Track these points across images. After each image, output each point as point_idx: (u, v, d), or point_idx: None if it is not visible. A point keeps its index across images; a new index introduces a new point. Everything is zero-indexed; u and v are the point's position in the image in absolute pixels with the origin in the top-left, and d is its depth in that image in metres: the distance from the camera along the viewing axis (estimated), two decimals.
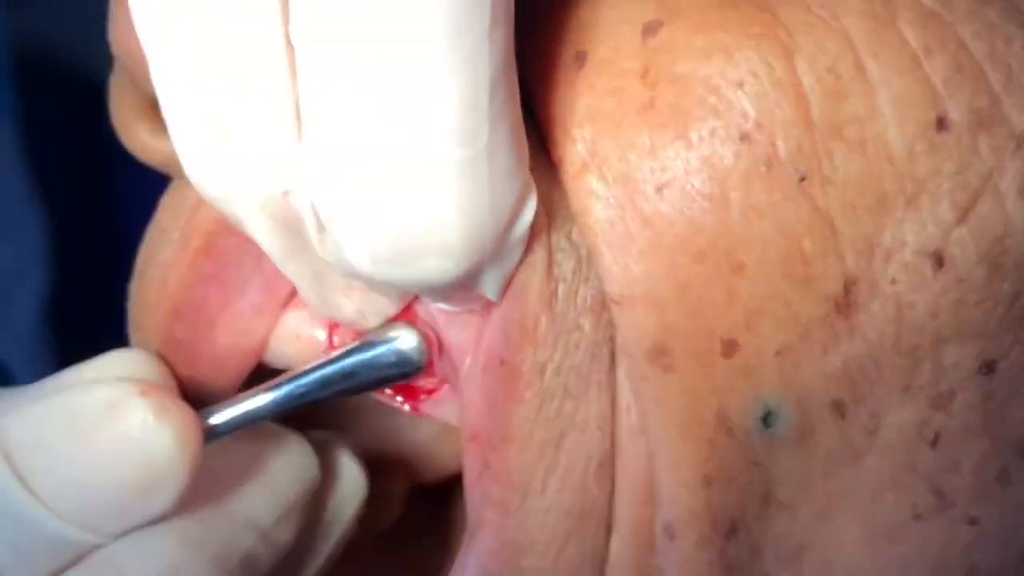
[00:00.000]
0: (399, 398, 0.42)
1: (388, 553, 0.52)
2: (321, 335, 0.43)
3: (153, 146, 0.45)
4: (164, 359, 0.43)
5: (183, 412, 0.38)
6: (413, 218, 0.34)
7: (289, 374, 0.41)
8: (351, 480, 0.46)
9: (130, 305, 0.45)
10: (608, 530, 0.39)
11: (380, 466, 0.50)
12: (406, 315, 0.41)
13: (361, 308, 0.40)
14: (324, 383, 0.41)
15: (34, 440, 0.38)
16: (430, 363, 0.41)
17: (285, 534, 0.42)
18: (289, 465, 0.43)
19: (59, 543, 0.38)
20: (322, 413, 0.49)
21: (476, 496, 0.39)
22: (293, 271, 0.39)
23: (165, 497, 0.38)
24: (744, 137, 0.35)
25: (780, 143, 0.35)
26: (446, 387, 0.42)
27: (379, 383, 0.41)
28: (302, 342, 0.43)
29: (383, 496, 0.50)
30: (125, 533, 0.38)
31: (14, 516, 0.37)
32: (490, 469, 0.38)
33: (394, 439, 0.51)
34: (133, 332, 0.44)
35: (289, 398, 0.41)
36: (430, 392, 0.42)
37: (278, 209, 0.36)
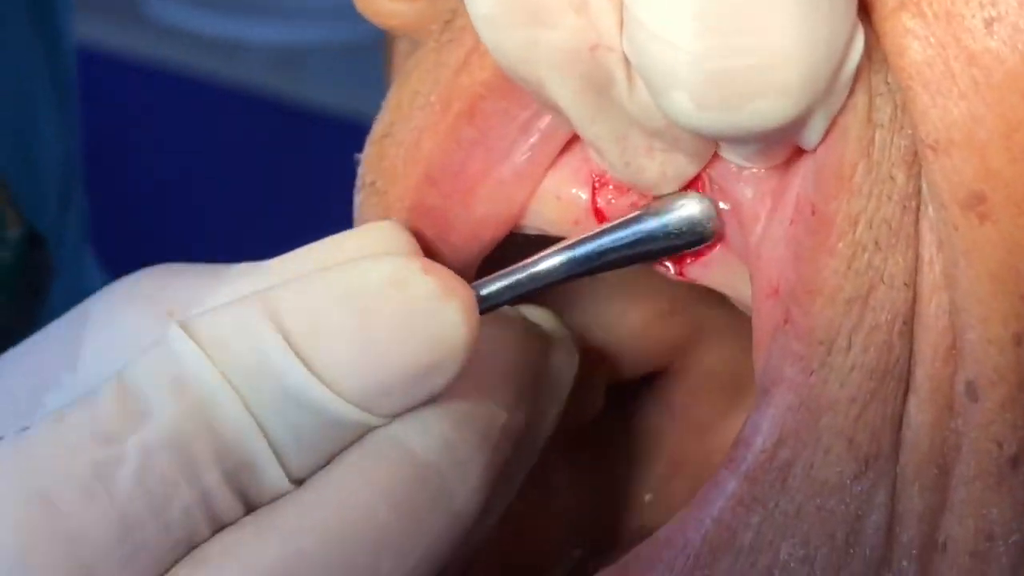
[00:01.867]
0: (665, 262, 0.41)
1: (575, 452, 0.51)
2: (583, 195, 0.41)
3: (389, 8, 0.44)
4: (412, 227, 0.42)
5: (465, 288, 0.37)
6: (748, 55, 0.32)
7: (563, 244, 0.40)
8: (567, 362, 0.45)
9: (366, 170, 0.43)
10: (906, 391, 0.37)
11: (582, 360, 0.49)
12: (700, 177, 0.39)
13: (663, 169, 0.39)
14: (603, 253, 0.39)
15: (313, 319, 0.36)
16: (721, 229, 0.39)
17: (526, 411, 0.41)
18: (525, 348, 0.42)
19: (340, 425, 0.36)
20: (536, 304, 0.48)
21: (772, 353, 0.38)
22: (596, 133, 0.37)
23: (448, 373, 0.37)
24: None
25: None
26: (717, 249, 0.41)
27: (664, 252, 0.40)
28: (563, 203, 0.41)
29: (584, 388, 0.49)
30: (402, 413, 0.37)
31: (295, 398, 0.36)
32: (792, 324, 0.37)
33: (598, 330, 0.49)
34: (368, 197, 0.43)
35: (568, 265, 0.39)
36: (697, 256, 0.41)
37: (585, 66, 0.35)
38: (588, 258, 0.39)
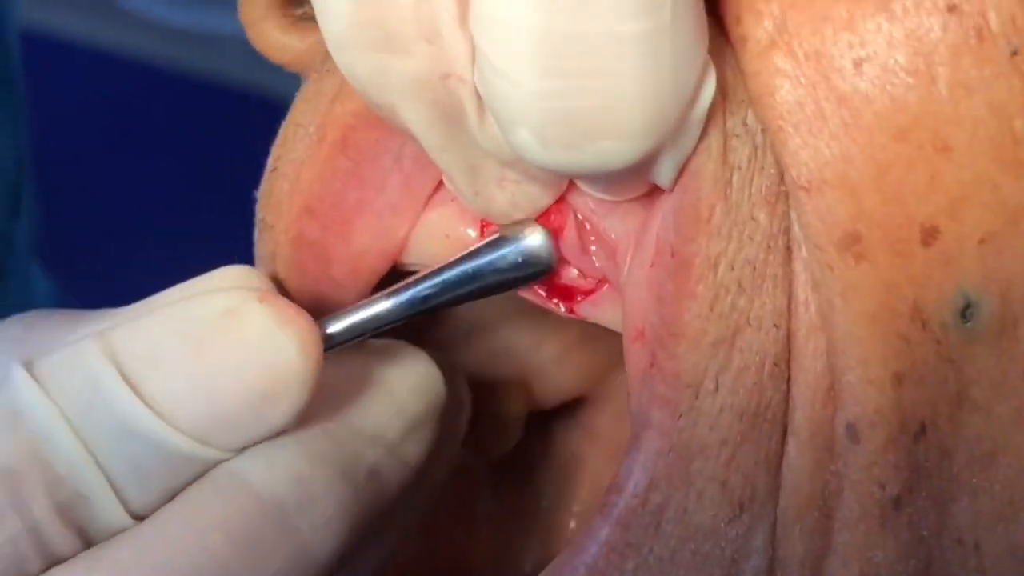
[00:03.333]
0: (555, 300, 0.40)
1: (499, 483, 0.51)
2: (472, 232, 0.40)
3: (283, 43, 0.44)
4: (295, 261, 0.41)
5: (303, 318, 0.36)
6: (591, 96, 0.32)
7: (409, 280, 0.39)
8: (463, 403, 0.45)
9: (259, 205, 0.43)
10: (784, 433, 0.36)
11: (499, 388, 0.48)
12: (559, 206, 0.39)
13: (514, 200, 0.38)
14: (447, 287, 0.39)
15: (149, 353, 0.36)
16: (560, 263, 0.39)
17: (414, 449, 0.40)
18: (413, 379, 0.41)
19: (179, 458, 0.36)
20: (440, 332, 0.47)
21: (641, 397, 0.37)
22: (447, 161, 0.37)
23: (288, 407, 0.36)
24: (952, 8, 0.33)
25: (992, 14, 0.33)
26: (605, 288, 0.40)
27: (506, 285, 0.39)
28: (452, 241, 0.41)
29: (501, 419, 0.49)
30: (246, 447, 0.37)
31: (132, 432, 0.35)
32: (658, 368, 0.36)
33: (514, 361, 0.49)
34: (260, 233, 0.42)
35: (411, 303, 0.39)
36: (587, 293, 0.40)
37: (436, 95, 0.34)
38: (430, 295, 0.39)
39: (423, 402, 0.41)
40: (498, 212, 0.39)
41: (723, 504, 0.36)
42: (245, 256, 0.42)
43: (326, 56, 0.41)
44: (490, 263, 0.39)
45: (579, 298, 0.40)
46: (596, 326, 0.45)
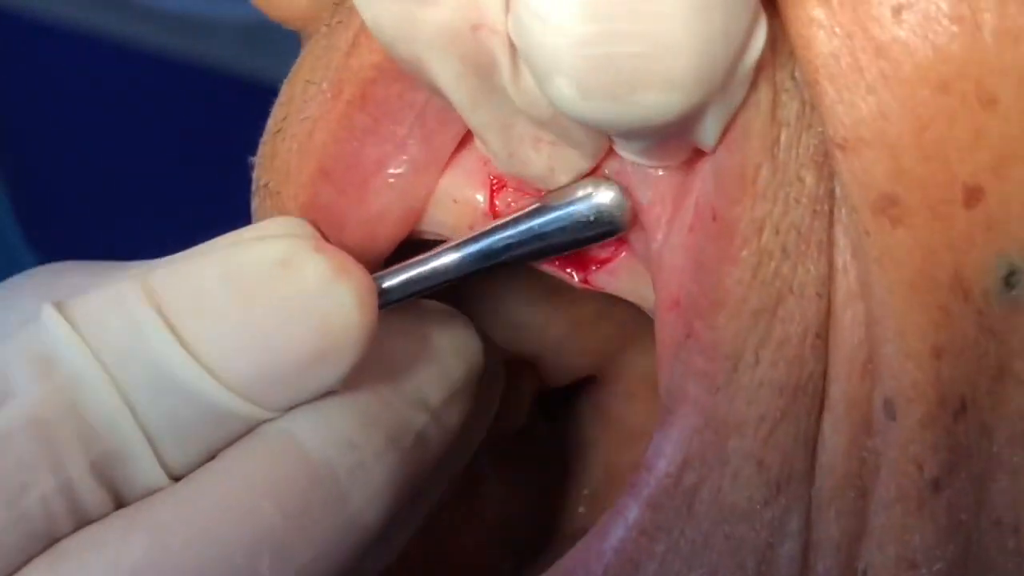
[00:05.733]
0: (568, 269, 0.38)
1: (506, 462, 0.49)
2: (480, 197, 0.39)
3: (284, 0, 0.41)
4: None
5: (361, 270, 0.35)
6: (636, 42, 0.30)
7: (469, 235, 0.37)
8: (495, 370, 0.43)
9: (259, 170, 0.41)
10: (821, 409, 0.35)
11: (509, 366, 0.47)
12: (596, 173, 0.37)
13: (551, 163, 0.36)
14: (508, 245, 0.37)
15: (194, 300, 0.34)
16: (633, 220, 0.36)
17: (454, 416, 0.39)
18: (457, 345, 0.39)
19: (224, 415, 0.34)
20: (451, 303, 0.46)
21: (675, 370, 0.35)
22: (479, 120, 0.35)
23: (341, 365, 0.34)
24: None
25: None
26: (623, 256, 0.38)
27: (572, 245, 0.37)
28: (460, 206, 0.39)
29: (511, 397, 0.47)
30: (294, 407, 0.35)
31: (175, 385, 0.33)
32: (695, 338, 0.34)
33: (525, 337, 0.47)
34: (262, 201, 0.40)
35: (473, 260, 0.37)
36: (603, 263, 0.38)
37: (467, 47, 0.33)
38: (493, 251, 0.37)
39: (465, 368, 0.39)
40: (535, 176, 0.37)
41: (759, 484, 0.35)
42: None
43: (335, 9, 0.39)
44: (556, 221, 0.37)
45: (594, 267, 0.38)
46: (606, 303, 0.44)
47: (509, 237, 0.37)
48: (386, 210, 0.39)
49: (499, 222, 0.37)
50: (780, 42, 0.33)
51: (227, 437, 0.34)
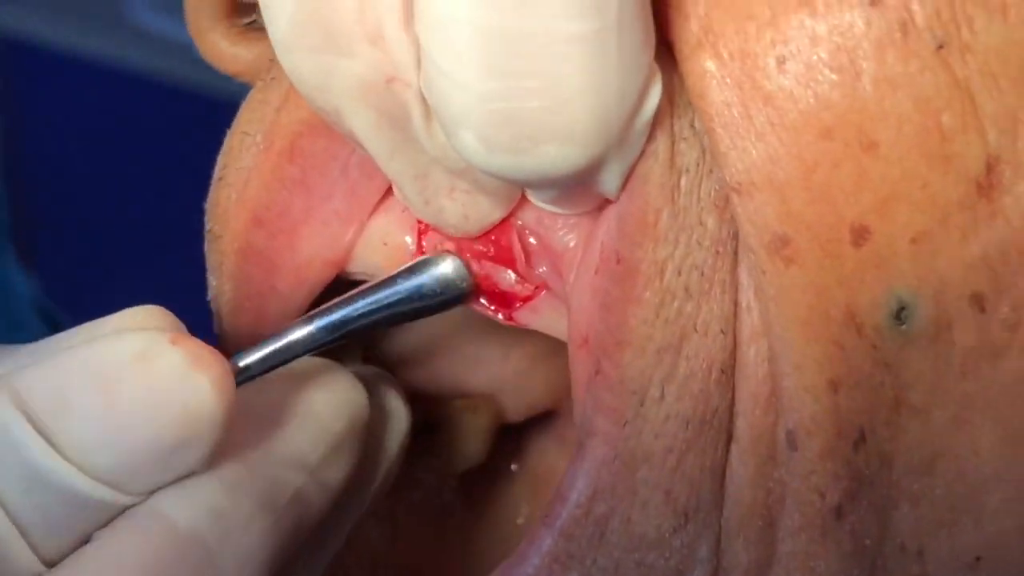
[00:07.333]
0: (493, 307, 0.40)
1: (473, 497, 0.50)
2: (409, 240, 0.40)
3: (231, 53, 0.44)
4: (241, 271, 0.41)
5: (216, 358, 0.35)
6: (535, 97, 0.31)
7: (322, 308, 0.39)
8: (396, 416, 0.43)
9: (207, 216, 0.43)
10: (728, 441, 0.36)
11: (466, 402, 0.48)
12: (509, 220, 0.38)
13: (465, 211, 0.38)
14: (359, 315, 0.39)
15: (58, 396, 0.35)
16: (476, 288, 0.39)
17: (335, 472, 0.39)
18: (336, 400, 0.40)
19: (91, 504, 0.35)
20: (403, 346, 0.47)
21: (586, 405, 0.36)
22: (395, 169, 0.36)
23: (203, 448, 0.35)
24: (875, 2, 0.32)
25: (916, 7, 0.32)
26: (543, 294, 0.39)
27: (422, 312, 0.39)
28: (389, 249, 0.40)
29: (469, 433, 0.48)
30: (158, 488, 0.36)
31: (41, 479, 0.34)
32: (603, 375, 0.36)
33: (481, 373, 0.48)
34: (209, 244, 0.42)
35: (325, 331, 0.38)
36: (526, 300, 0.40)
37: (381, 99, 0.34)
38: (344, 322, 0.39)
39: (345, 422, 0.40)
40: (450, 224, 0.38)
41: (668, 513, 0.36)
42: None
43: (271, 65, 0.41)
44: (406, 290, 0.39)
45: (518, 304, 0.40)
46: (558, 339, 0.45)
47: (358, 308, 0.39)
48: (315, 255, 0.40)
49: (350, 294, 0.39)
50: (678, 93, 0.35)
51: (98, 522, 0.35)
